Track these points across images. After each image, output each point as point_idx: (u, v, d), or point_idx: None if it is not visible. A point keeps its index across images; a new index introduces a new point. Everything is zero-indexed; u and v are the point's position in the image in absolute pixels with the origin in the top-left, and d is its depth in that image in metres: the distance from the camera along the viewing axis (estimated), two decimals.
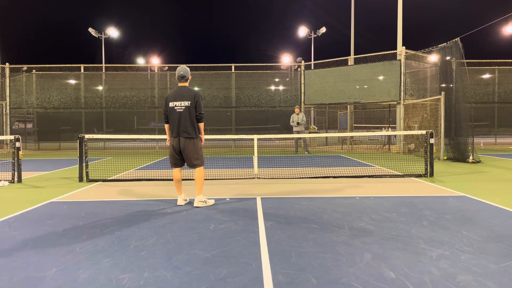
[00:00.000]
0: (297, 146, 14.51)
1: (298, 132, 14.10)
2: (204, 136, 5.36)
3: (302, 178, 7.71)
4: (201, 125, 5.21)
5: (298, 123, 14.01)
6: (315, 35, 34.26)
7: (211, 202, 5.33)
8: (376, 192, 6.08)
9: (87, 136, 7.82)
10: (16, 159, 7.56)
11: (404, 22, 15.25)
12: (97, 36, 32.64)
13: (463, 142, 10.69)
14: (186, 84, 5.28)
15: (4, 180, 7.43)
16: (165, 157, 12.96)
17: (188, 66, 5.33)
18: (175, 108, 5.10)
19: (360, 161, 11.29)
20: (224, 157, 12.82)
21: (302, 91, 16.65)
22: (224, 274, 2.83)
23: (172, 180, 7.52)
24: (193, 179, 5.29)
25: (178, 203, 5.32)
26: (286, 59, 35.51)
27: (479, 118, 17.14)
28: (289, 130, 16.18)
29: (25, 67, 17.44)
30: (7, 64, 16.97)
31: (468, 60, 15.15)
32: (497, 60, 17.72)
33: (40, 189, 6.77)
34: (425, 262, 3.04)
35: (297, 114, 14.07)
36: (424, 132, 7.96)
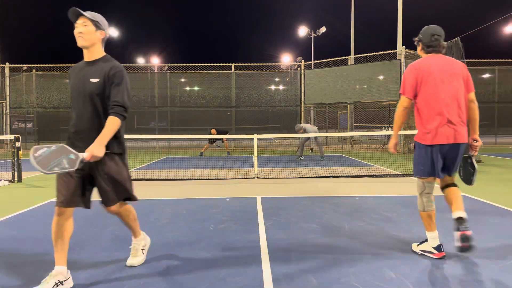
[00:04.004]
0: (321, 149, 11.67)
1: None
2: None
3: (302, 178, 7.71)
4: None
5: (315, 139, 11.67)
6: (315, 35, 34.18)
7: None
8: (376, 192, 6.08)
9: None
10: (16, 158, 7.56)
11: (404, 21, 15.26)
12: None
13: None
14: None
15: (4, 180, 7.43)
16: (165, 157, 12.95)
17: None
18: None
19: (360, 160, 11.29)
20: (224, 157, 12.82)
21: (302, 90, 16.64)
22: (224, 274, 2.83)
23: (172, 180, 7.55)
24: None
25: None
26: (286, 59, 35.44)
27: (479, 117, 17.10)
28: (289, 129, 16.15)
29: (25, 66, 17.45)
30: (7, 63, 16.97)
31: (468, 60, 15.11)
32: (497, 60, 17.74)
33: (40, 189, 6.77)
34: (425, 262, 3.04)
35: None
36: None
